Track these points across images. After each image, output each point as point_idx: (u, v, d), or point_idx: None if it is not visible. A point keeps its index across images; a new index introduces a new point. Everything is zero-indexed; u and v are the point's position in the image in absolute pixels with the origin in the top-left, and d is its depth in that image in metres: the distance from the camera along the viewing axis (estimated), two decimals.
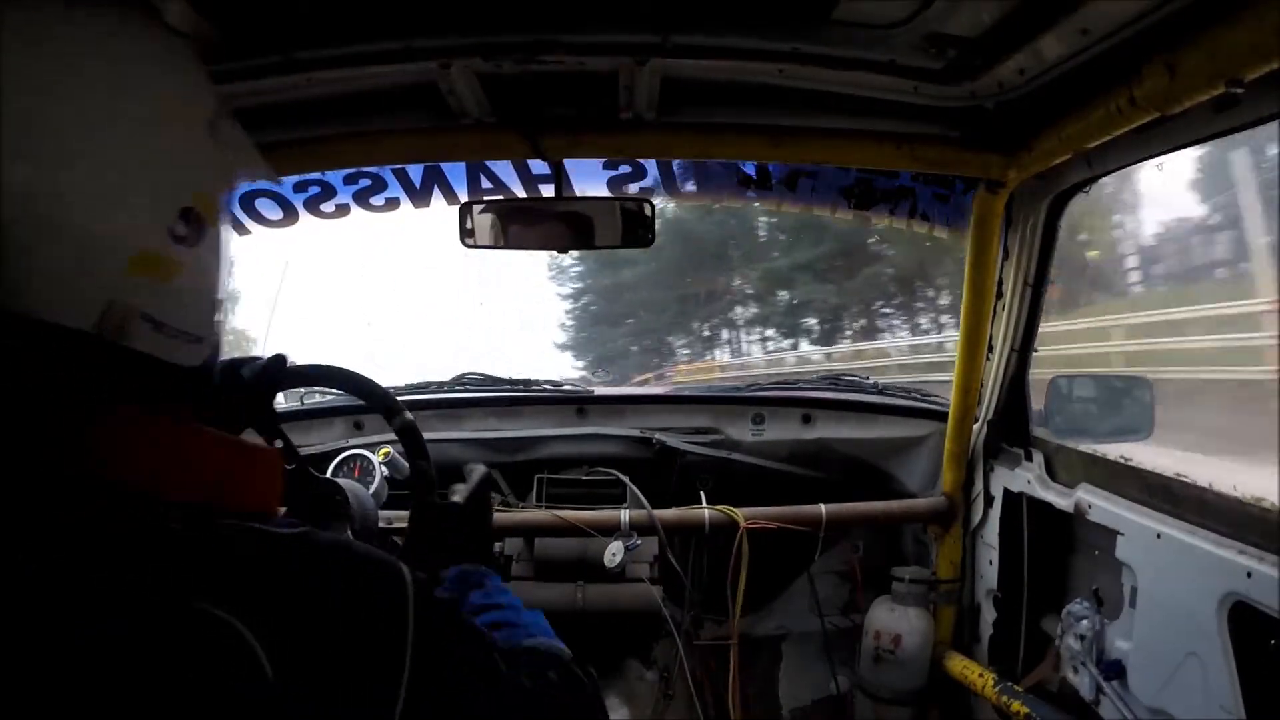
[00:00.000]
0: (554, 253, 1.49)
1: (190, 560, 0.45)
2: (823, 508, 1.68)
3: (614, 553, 1.62)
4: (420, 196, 1.59)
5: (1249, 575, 0.96)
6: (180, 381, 0.53)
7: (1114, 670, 1.22)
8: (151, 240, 0.49)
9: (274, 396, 1.00)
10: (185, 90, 0.53)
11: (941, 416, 1.72)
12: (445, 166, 1.55)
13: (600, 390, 2.03)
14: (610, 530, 1.64)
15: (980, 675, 1.56)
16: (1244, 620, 0.99)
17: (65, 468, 0.46)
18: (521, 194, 1.57)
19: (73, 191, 0.46)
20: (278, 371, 0.84)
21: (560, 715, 0.63)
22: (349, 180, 1.56)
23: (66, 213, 0.46)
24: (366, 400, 1.24)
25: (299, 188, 1.56)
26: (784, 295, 15.10)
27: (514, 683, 0.58)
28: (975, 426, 1.65)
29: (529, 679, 0.60)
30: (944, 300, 12.62)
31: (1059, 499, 1.41)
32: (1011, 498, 1.57)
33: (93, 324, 0.47)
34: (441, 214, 1.56)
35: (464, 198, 1.57)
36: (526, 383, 2.08)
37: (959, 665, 1.64)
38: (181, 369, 0.52)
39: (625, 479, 1.76)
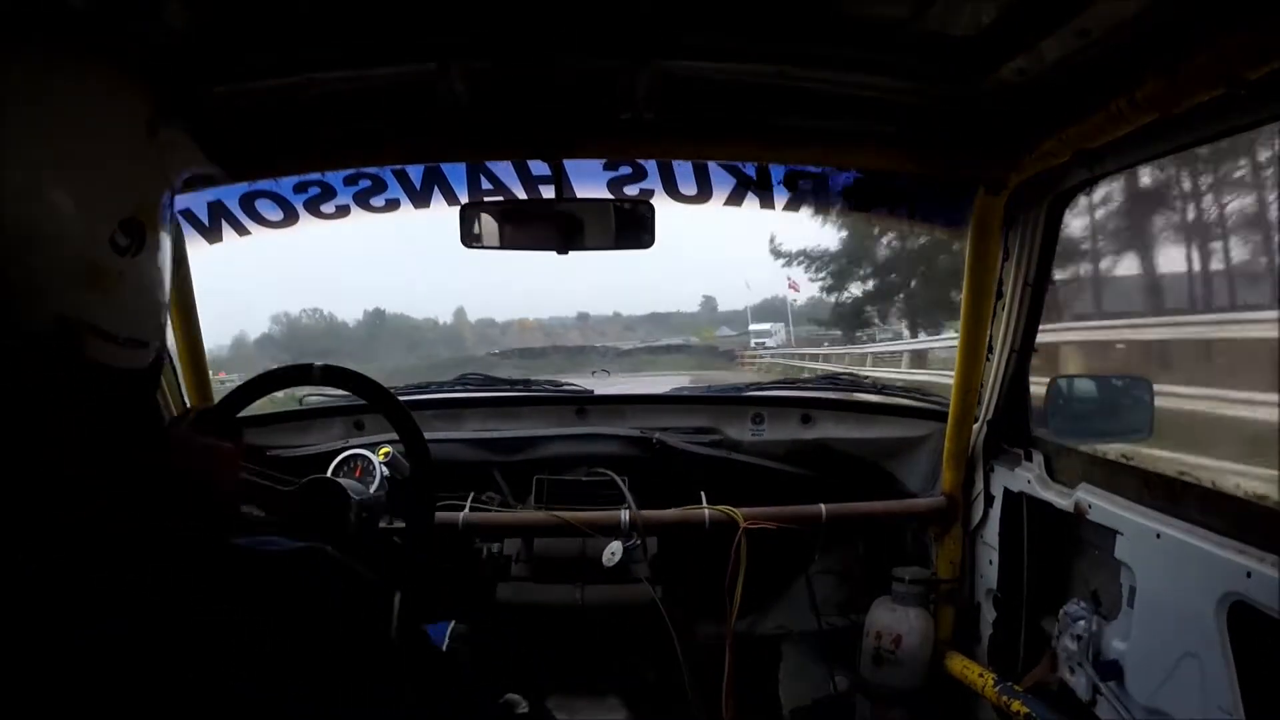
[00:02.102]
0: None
1: (191, 564, 0.45)
2: (822, 507, 1.68)
3: (612, 552, 1.62)
4: (420, 197, 1.59)
5: (1248, 575, 0.96)
6: (131, 384, 0.53)
7: (1111, 670, 1.22)
8: (93, 252, 0.49)
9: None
10: (119, 99, 0.51)
11: (941, 416, 1.72)
12: (445, 167, 1.54)
13: (600, 390, 2.04)
14: (609, 530, 1.64)
15: (980, 675, 1.56)
16: (1243, 620, 0.99)
17: (64, 469, 0.46)
18: (522, 195, 1.56)
19: (9, 206, 0.45)
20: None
21: None
22: (349, 181, 1.56)
23: (5, 227, 0.45)
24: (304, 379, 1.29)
25: (299, 188, 1.56)
26: None
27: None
28: (975, 426, 1.66)
29: None
30: None
31: (1059, 499, 1.41)
32: (1011, 497, 1.57)
33: (48, 335, 0.47)
34: None
35: (464, 199, 1.56)
36: (526, 383, 2.09)
37: (959, 665, 1.65)
38: (129, 372, 0.53)
39: (620, 480, 1.76)
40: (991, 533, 1.63)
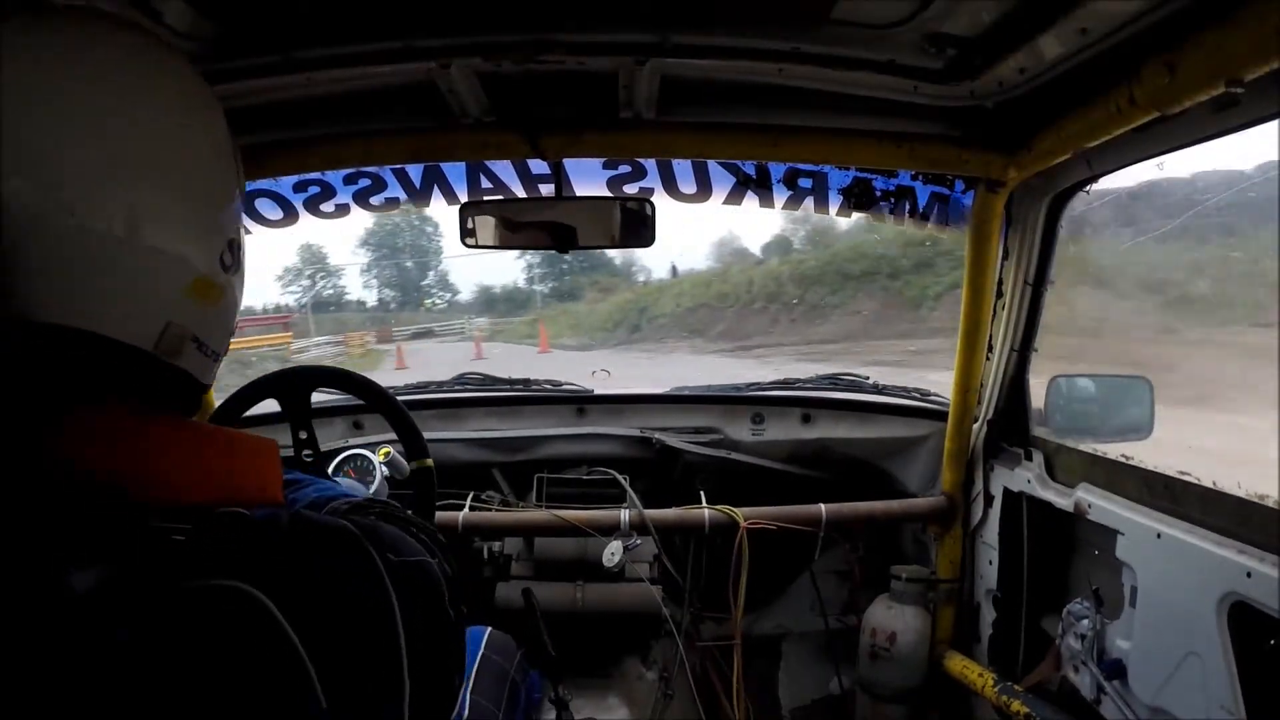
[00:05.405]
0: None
1: (204, 548, 0.46)
2: (823, 507, 1.68)
3: (613, 552, 1.62)
4: (420, 196, 1.59)
5: (1249, 575, 0.96)
6: (197, 395, 0.56)
7: (1114, 670, 1.22)
8: (208, 267, 0.53)
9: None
10: (224, 127, 0.56)
11: (941, 416, 1.72)
12: (445, 166, 1.54)
13: (600, 390, 2.04)
14: (610, 530, 1.65)
15: (980, 675, 1.56)
16: (1244, 620, 0.99)
17: (107, 477, 0.46)
18: (521, 194, 1.56)
19: (149, 218, 0.49)
20: None
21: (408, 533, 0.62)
22: (349, 180, 1.56)
23: (143, 236, 0.49)
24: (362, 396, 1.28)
25: (299, 188, 1.56)
26: None
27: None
28: (975, 426, 1.65)
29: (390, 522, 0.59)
30: None
31: (1059, 498, 1.41)
32: (1011, 497, 1.57)
33: (153, 343, 0.50)
34: None
35: (464, 198, 1.56)
36: (526, 382, 2.09)
37: (959, 665, 1.64)
38: (200, 384, 0.55)
39: (622, 479, 1.76)
40: (991, 532, 1.62)
